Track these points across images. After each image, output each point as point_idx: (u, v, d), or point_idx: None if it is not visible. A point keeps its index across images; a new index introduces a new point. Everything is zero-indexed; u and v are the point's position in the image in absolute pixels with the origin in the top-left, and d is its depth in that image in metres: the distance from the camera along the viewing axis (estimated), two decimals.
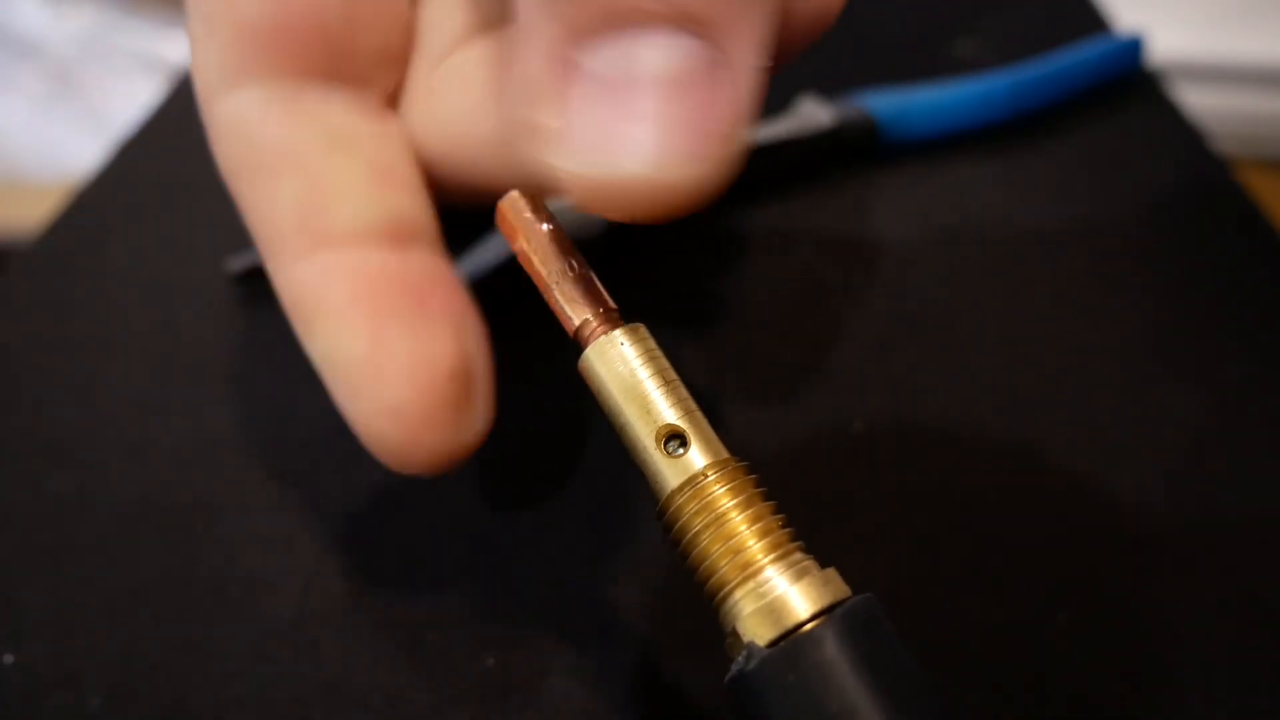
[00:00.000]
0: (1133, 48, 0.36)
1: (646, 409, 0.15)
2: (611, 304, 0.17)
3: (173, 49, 0.91)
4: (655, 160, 0.14)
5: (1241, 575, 0.21)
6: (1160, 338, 0.26)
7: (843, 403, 0.24)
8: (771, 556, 0.15)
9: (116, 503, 0.22)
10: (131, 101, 0.85)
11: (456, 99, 0.19)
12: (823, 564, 0.15)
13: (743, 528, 0.15)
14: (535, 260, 0.17)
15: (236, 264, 0.28)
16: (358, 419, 0.17)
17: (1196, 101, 0.39)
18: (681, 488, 0.15)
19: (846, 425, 0.24)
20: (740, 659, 0.14)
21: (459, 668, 0.19)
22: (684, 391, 0.16)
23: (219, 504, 0.22)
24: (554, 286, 0.17)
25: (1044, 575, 0.21)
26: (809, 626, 0.14)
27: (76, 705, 0.19)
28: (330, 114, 0.18)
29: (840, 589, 0.15)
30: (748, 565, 0.15)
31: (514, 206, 0.18)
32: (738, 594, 0.15)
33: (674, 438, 0.15)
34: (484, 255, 0.27)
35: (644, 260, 0.29)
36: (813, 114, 0.32)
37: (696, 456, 0.15)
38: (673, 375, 0.16)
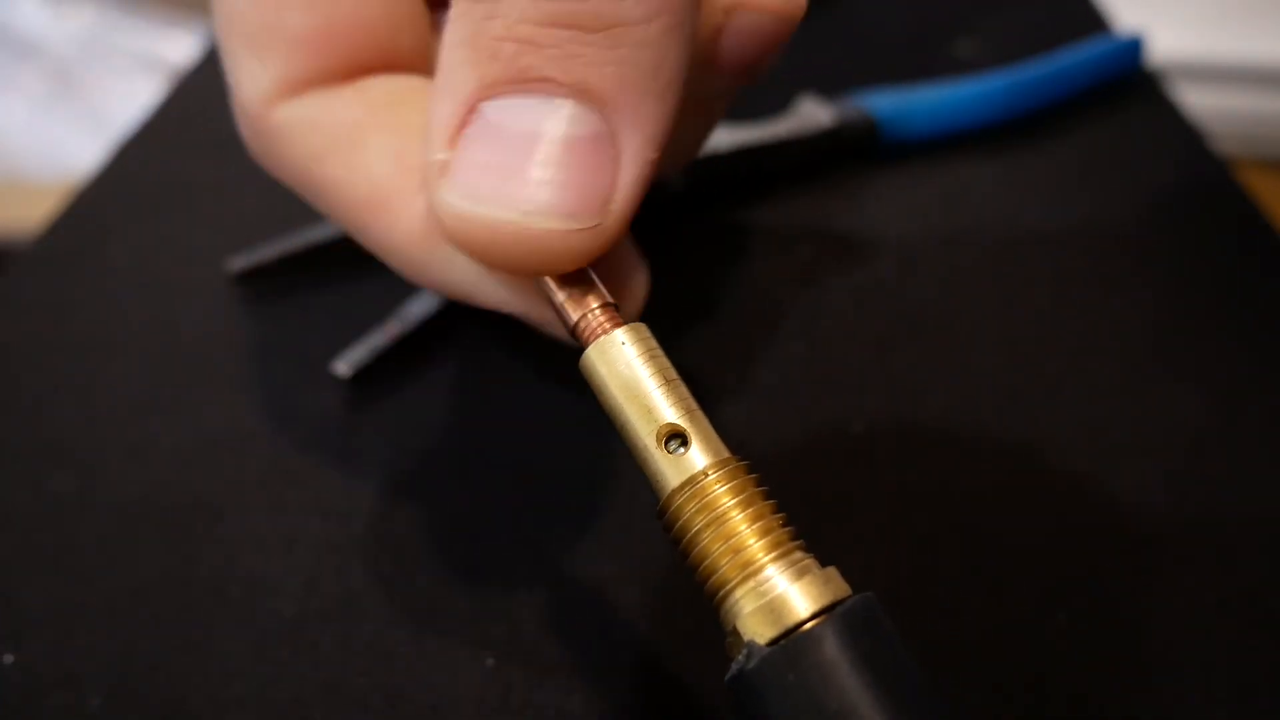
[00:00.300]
0: (1133, 48, 0.36)
1: (647, 408, 0.15)
2: (609, 299, 0.17)
3: (173, 49, 0.91)
4: (524, 208, 0.15)
5: (1241, 575, 0.21)
6: (1160, 338, 0.26)
7: (843, 403, 0.24)
8: (772, 555, 0.15)
9: (116, 503, 0.22)
10: (131, 101, 0.85)
11: None
12: (823, 563, 0.15)
13: (743, 527, 0.15)
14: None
15: (236, 264, 0.28)
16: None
17: (1196, 101, 0.39)
18: (682, 487, 0.15)
19: (846, 425, 0.24)
20: (740, 658, 0.14)
21: (459, 668, 0.19)
22: (685, 390, 0.16)
23: (219, 504, 0.22)
24: (552, 282, 0.17)
25: (1044, 575, 0.21)
26: (809, 625, 0.14)
27: (76, 705, 0.19)
28: (388, 84, 0.19)
29: (840, 588, 0.15)
30: (748, 564, 0.15)
31: None
32: (738, 593, 0.15)
33: (675, 437, 0.15)
34: None
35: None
36: (813, 114, 0.32)
37: (697, 456, 0.15)
38: (674, 374, 0.16)
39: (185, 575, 0.21)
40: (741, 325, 0.27)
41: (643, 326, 0.16)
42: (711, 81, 0.21)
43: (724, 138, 0.31)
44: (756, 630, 0.14)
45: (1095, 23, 0.41)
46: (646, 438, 0.15)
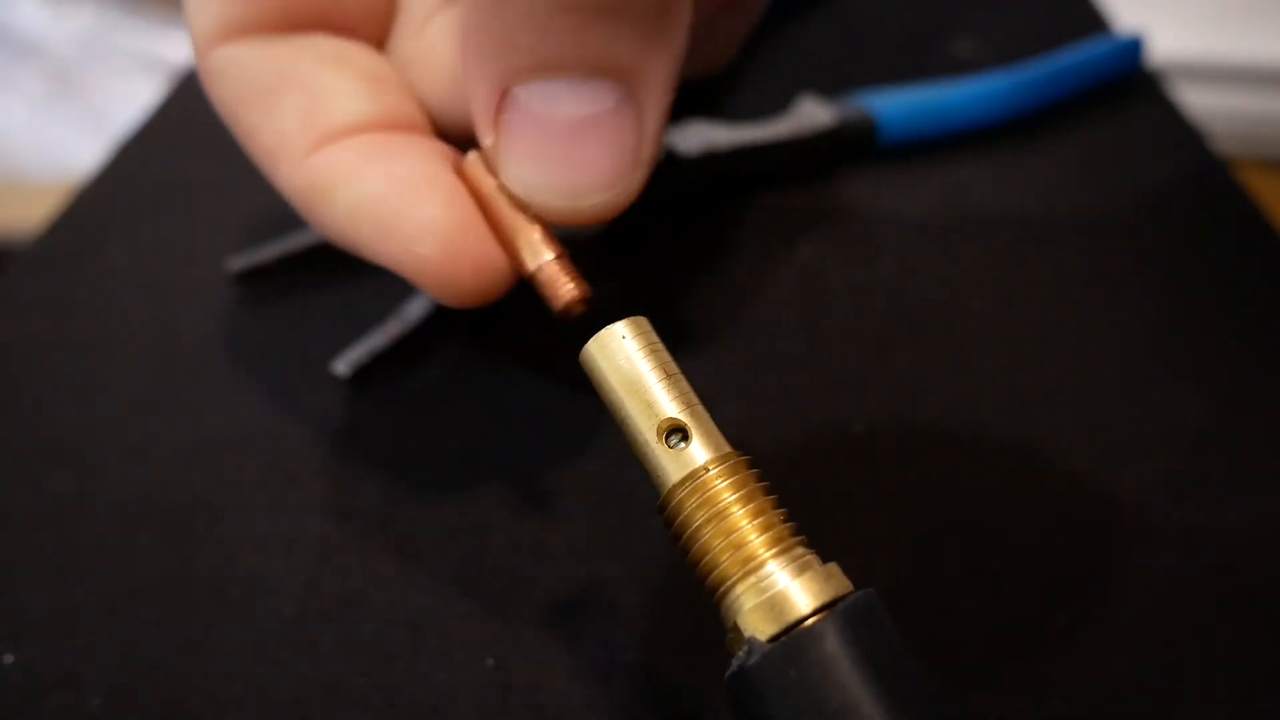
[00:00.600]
0: (1133, 48, 0.36)
1: (648, 402, 0.15)
2: (563, 250, 0.17)
3: (173, 49, 0.91)
4: (572, 194, 0.17)
5: (1241, 575, 0.21)
6: (1160, 337, 0.26)
7: (843, 403, 0.24)
8: (773, 551, 0.15)
9: (116, 503, 0.22)
10: (131, 101, 0.85)
11: (435, 63, 0.20)
12: (824, 560, 0.15)
13: (744, 522, 0.15)
14: (493, 209, 0.19)
15: (236, 264, 0.28)
16: (398, 253, 0.18)
17: (1196, 101, 0.39)
18: (682, 482, 0.15)
19: (846, 425, 0.24)
20: (741, 654, 0.14)
21: (459, 668, 0.19)
22: (685, 385, 0.16)
23: (219, 504, 0.22)
24: (515, 231, 0.18)
25: (1044, 575, 0.21)
26: (810, 622, 0.14)
27: (76, 705, 0.19)
28: (321, 44, 0.20)
29: (842, 584, 0.15)
30: (749, 560, 0.15)
31: (473, 166, 0.19)
32: (739, 589, 0.15)
33: (675, 431, 0.15)
34: None
35: (643, 259, 0.29)
36: (813, 114, 0.32)
37: (698, 450, 0.15)
38: (674, 368, 0.16)
39: (185, 575, 0.21)
40: (741, 325, 0.27)
41: (643, 320, 0.16)
42: None
43: (724, 137, 0.31)
44: (757, 626, 0.14)
45: (1095, 23, 0.41)
46: (647, 432, 0.15)
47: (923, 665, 0.14)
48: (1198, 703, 0.19)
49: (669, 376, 0.16)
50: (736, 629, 0.14)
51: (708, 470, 0.15)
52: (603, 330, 0.16)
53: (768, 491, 0.15)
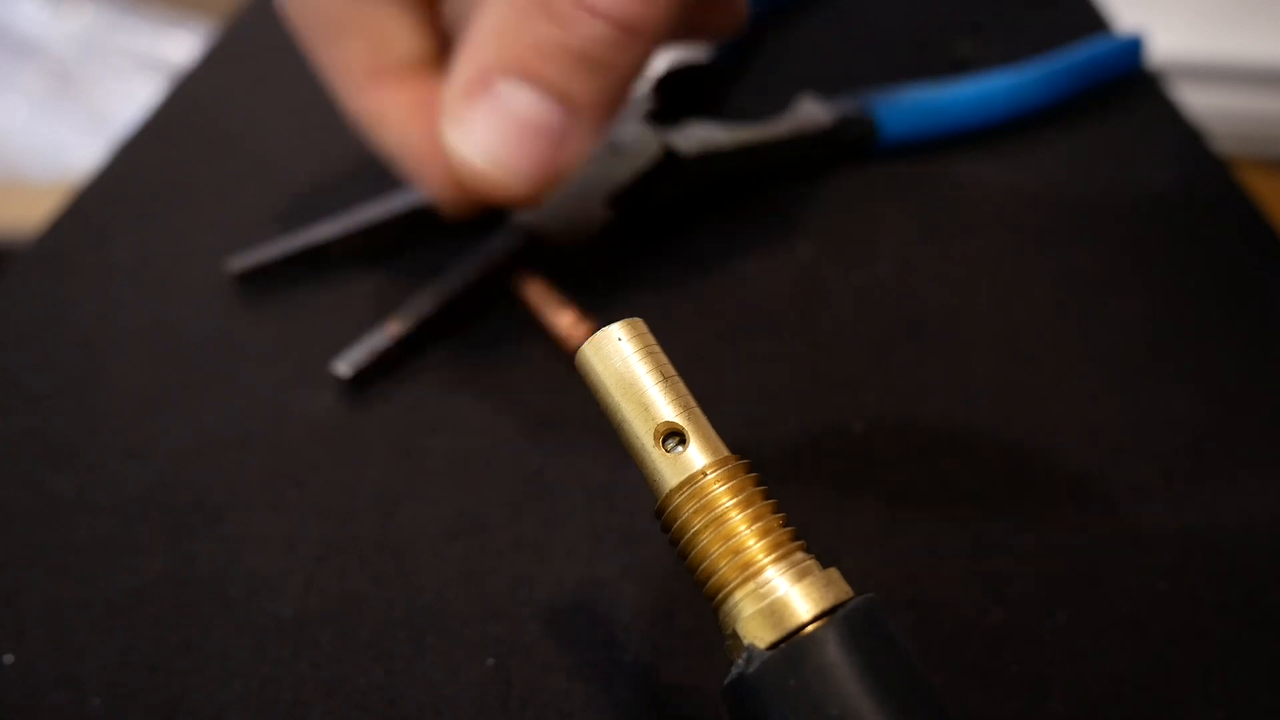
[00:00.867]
0: (1133, 48, 0.36)
1: (644, 406, 0.15)
2: (595, 320, 0.19)
3: (173, 49, 0.91)
4: (500, 167, 0.22)
5: (1241, 575, 0.21)
6: (1160, 337, 0.26)
7: (843, 403, 0.24)
8: (772, 556, 0.14)
9: (116, 503, 0.22)
10: (131, 101, 0.85)
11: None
12: (823, 564, 0.15)
13: (742, 527, 0.15)
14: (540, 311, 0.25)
15: (236, 264, 0.28)
16: (421, 187, 0.25)
17: (1196, 101, 0.39)
18: (680, 486, 0.15)
19: (846, 425, 0.24)
20: (740, 661, 0.14)
21: (459, 668, 0.19)
22: (683, 388, 0.16)
23: (219, 504, 0.22)
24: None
25: (1044, 575, 0.21)
26: (810, 628, 0.14)
27: (76, 705, 0.19)
28: None
29: (842, 590, 0.14)
30: (748, 565, 0.14)
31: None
32: (738, 595, 0.14)
33: (672, 435, 0.15)
34: (484, 255, 0.27)
35: (643, 260, 0.29)
36: (812, 113, 0.32)
37: (696, 455, 0.15)
38: (671, 371, 0.16)
39: (185, 575, 0.21)
40: (742, 325, 0.27)
41: (639, 322, 0.16)
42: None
43: (724, 137, 0.31)
44: (756, 633, 0.14)
45: (1095, 23, 0.41)
46: (644, 436, 0.15)
47: (923, 672, 0.14)
48: (1198, 703, 0.19)
49: (666, 379, 0.15)
50: (735, 636, 0.14)
51: (705, 475, 0.15)
52: (598, 332, 0.16)
53: (766, 495, 0.15)
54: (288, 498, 0.22)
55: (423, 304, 0.26)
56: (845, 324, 0.27)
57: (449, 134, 0.22)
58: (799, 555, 0.15)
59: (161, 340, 0.26)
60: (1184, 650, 0.19)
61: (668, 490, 0.15)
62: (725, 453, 0.15)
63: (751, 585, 0.14)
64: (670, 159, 0.31)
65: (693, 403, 0.16)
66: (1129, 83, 0.37)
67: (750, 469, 0.15)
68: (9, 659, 0.19)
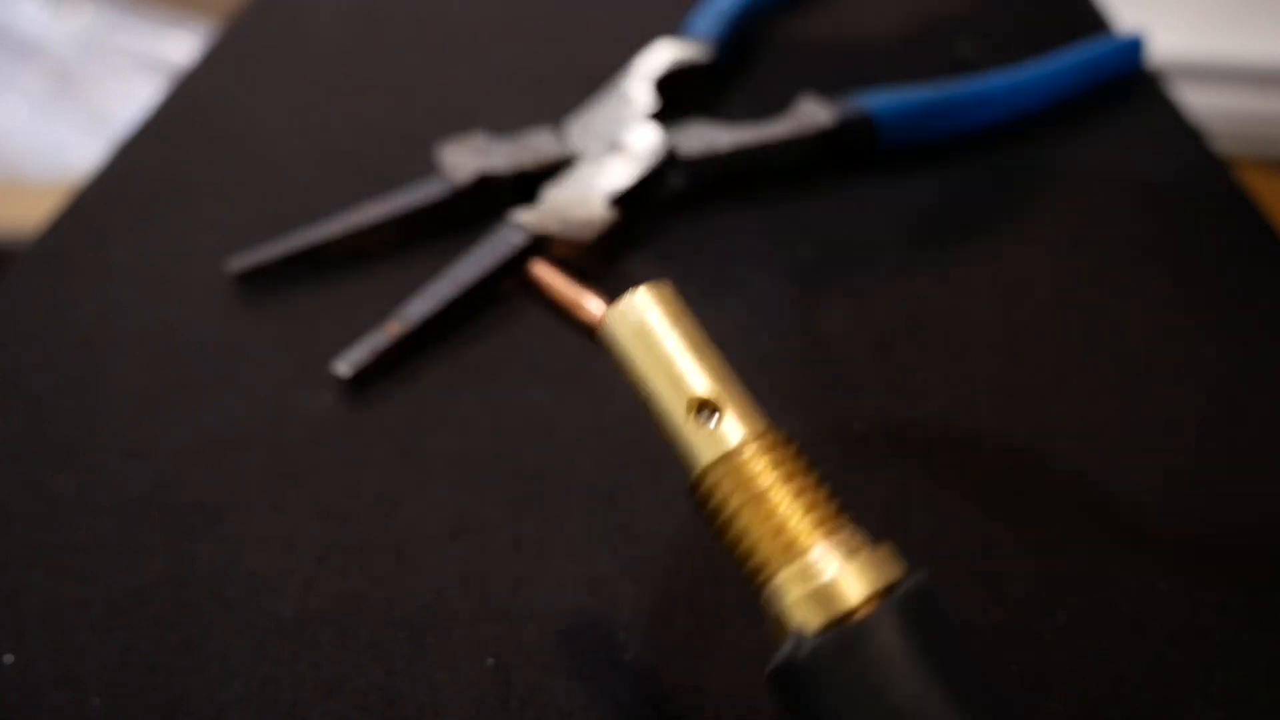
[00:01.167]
0: (1133, 48, 0.36)
1: (675, 377, 0.14)
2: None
3: (173, 49, 0.91)
4: None
5: (1241, 575, 0.21)
6: (1160, 337, 0.26)
7: (843, 403, 0.24)
8: (818, 534, 0.13)
9: (116, 503, 0.22)
10: (131, 101, 0.85)
11: None
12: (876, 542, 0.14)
13: (785, 504, 0.14)
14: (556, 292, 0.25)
15: (236, 264, 0.28)
16: None
17: (1196, 101, 0.39)
18: (717, 462, 0.14)
19: (846, 425, 0.24)
20: (787, 647, 0.13)
21: (459, 668, 0.19)
22: (716, 356, 0.15)
23: (219, 504, 0.22)
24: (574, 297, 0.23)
25: (1044, 575, 0.21)
26: (863, 611, 0.13)
27: (76, 705, 0.19)
28: None
29: (896, 568, 0.13)
30: (792, 544, 0.13)
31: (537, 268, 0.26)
32: (782, 576, 0.13)
33: (706, 407, 0.14)
34: (484, 255, 0.27)
35: (644, 259, 0.29)
36: (812, 114, 0.32)
37: (732, 427, 0.14)
38: (702, 338, 0.15)
39: (185, 575, 0.21)
40: (741, 325, 0.27)
41: (667, 285, 0.15)
42: None
43: (724, 137, 0.31)
44: (805, 617, 0.13)
45: (1095, 23, 0.41)
46: (675, 409, 0.14)
47: (977, 653, 0.13)
48: (1198, 703, 0.19)
49: (697, 347, 0.14)
50: (779, 619, 0.13)
51: (744, 448, 0.14)
52: (623, 299, 0.14)
53: (809, 469, 0.14)
54: (288, 498, 0.22)
55: (423, 304, 0.26)
56: (845, 324, 0.27)
57: None
58: (847, 532, 0.14)
59: (161, 340, 0.26)
60: (1184, 650, 0.19)
61: (703, 466, 0.14)
62: (764, 424, 0.14)
63: (797, 565, 0.13)
64: (670, 159, 0.31)
65: (727, 371, 0.15)
66: (1129, 83, 0.37)
67: (790, 441, 0.14)
68: (9, 659, 0.19)
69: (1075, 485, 0.23)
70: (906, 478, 0.23)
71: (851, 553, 0.13)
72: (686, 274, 0.29)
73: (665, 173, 0.31)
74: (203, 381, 0.25)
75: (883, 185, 0.32)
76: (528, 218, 0.28)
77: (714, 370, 0.14)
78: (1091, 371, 0.25)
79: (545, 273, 0.27)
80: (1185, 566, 0.21)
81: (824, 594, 0.13)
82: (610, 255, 0.29)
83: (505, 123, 0.35)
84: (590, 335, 0.26)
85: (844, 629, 0.13)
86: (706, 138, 0.31)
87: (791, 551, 0.13)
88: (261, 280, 0.28)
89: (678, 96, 0.35)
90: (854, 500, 0.22)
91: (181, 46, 0.91)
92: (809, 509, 0.14)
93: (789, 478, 0.14)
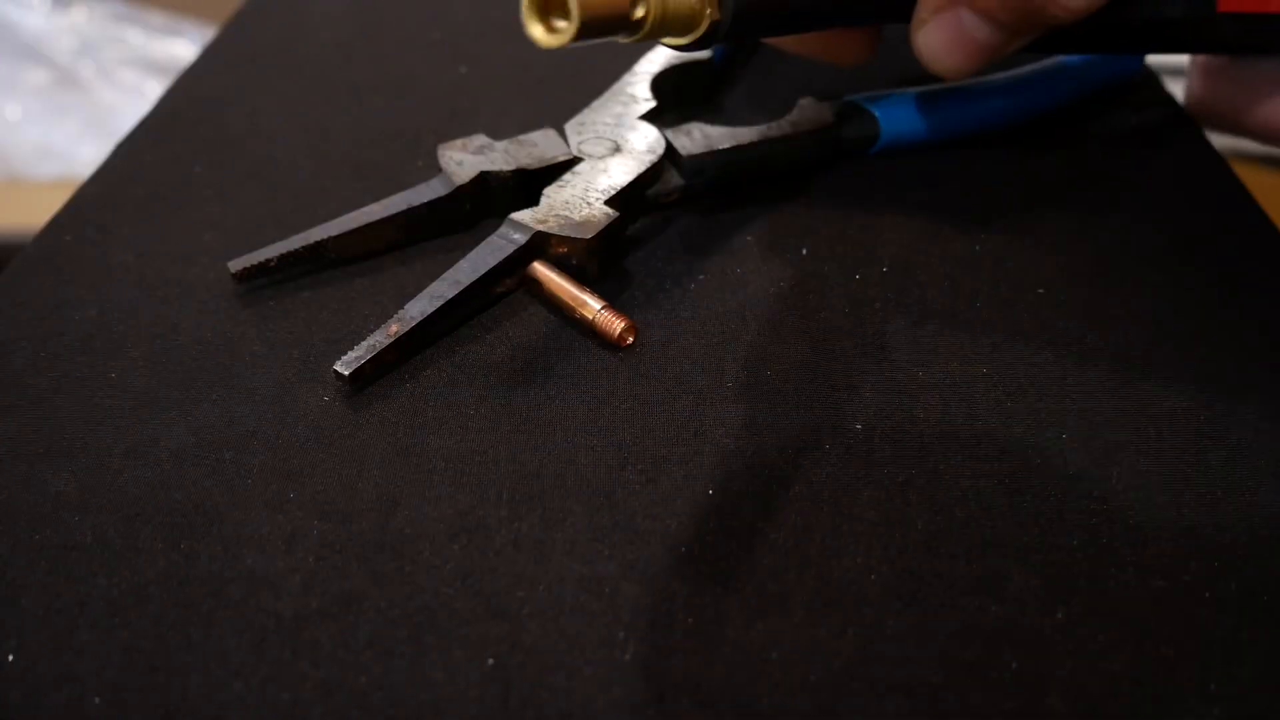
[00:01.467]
0: None
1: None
2: (606, 302, 0.19)
3: (173, 49, 0.91)
4: (938, 55, 0.29)
5: (1241, 575, 0.21)
6: (1160, 337, 0.26)
7: (843, 403, 0.25)
8: None
9: (116, 503, 0.22)
10: (131, 101, 0.85)
11: None
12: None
13: None
14: (557, 289, 0.27)
15: (236, 264, 0.28)
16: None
17: None
18: None
19: (846, 425, 0.24)
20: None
21: (459, 668, 0.19)
22: None
23: (219, 504, 0.22)
24: (574, 297, 0.25)
25: (1044, 575, 0.21)
26: None
27: (76, 705, 0.19)
28: None
29: None
30: None
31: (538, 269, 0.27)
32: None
33: None
34: (484, 255, 0.27)
35: (644, 259, 0.29)
36: (813, 113, 0.32)
37: None
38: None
39: (185, 575, 0.21)
40: (741, 325, 0.27)
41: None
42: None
43: (724, 137, 0.31)
44: None
45: None
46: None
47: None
48: (1197, 703, 0.19)
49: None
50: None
51: None
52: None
53: None
54: (288, 498, 0.22)
55: (423, 303, 0.26)
56: (845, 324, 0.27)
57: (915, 33, 0.29)
58: None
59: (161, 340, 0.27)
60: (1184, 650, 0.19)
61: None
62: None
63: None
64: (670, 159, 0.31)
65: None
66: (1129, 83, 0.37)
67: None
68: (9, 658, 0.19)
69: (1075, 485, 0.23)
70: (906, 478, 0.23)
71: None
72: (686, 274, 0.29)
73: (665, 173, 0.31)
74: (203, 381, 0.25)
75: (882, 185, 0.32)
76: (528, 218, 0.28)
77: None
78: (1090, 370, 0.25)
79: (545, 273, 0.27)
80: (1184, 565, 0.21)
81: None
82: (610, 255, 0.29)
83: (505, 123, 0.35)
84: (590, 335, 0.26)
85: None
86: (706, 138, 0.31)
87: None
88: (261, 280, 0.28)
89: (678, 97, 0.35)
90: (854, 500, 0.22)
91: (181, 46, 0.91)
92: None
93: None
